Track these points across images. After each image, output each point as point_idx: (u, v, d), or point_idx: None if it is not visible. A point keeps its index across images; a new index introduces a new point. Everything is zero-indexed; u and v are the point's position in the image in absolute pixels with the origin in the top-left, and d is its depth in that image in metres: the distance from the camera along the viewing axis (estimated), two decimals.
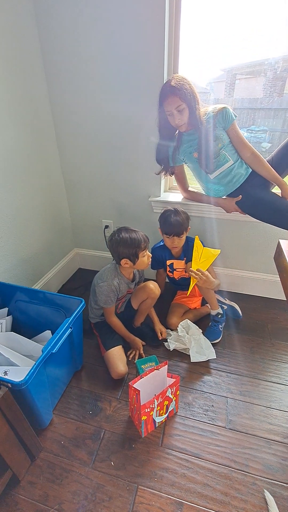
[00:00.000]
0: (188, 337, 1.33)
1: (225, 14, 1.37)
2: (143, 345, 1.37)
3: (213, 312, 1.45)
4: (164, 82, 1.25)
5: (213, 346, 1.34)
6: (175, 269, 1.49)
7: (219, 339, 1.41)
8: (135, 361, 1.27)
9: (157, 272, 1.60)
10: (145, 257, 1.23)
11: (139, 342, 1.36)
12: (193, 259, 1.33)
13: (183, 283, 1.54)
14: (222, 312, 1.45)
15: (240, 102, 2.09)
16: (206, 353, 1.28)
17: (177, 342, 1.34)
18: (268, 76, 1.90)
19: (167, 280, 1.64)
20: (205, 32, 1.44)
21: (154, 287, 1.35)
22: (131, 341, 1.35)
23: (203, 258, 1.33)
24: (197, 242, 1.35)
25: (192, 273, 1.29)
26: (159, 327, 1.43)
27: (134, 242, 1.18)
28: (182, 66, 1.32)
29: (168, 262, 1.48)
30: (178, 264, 1.46)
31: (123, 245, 1.18)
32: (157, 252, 1.48)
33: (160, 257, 1.48)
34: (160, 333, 1.41)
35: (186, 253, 1.43)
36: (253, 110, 2.10)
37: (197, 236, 1.37)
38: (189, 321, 1.39)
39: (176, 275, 1.51)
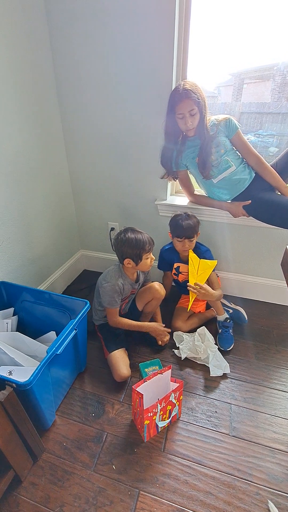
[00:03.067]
0: (204, 348, 1.30)
1: (234, 19, 1.38)
2: (144, 346, 1.36)
3: (221, 318, 1.44)
4: (172, 87, 1.27)
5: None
6: (180, 272, 1.49)
7: (233, 345, 1.39)
8: (139, 364, 1.26)
9: (164, 274, 1.61)
10: (148, 260, 1.23)
11: (156, 326, 1.32)
12: (189, 273, 1.33)
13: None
14: (228, 316, 1.44)
15: (247, 106, 2.09)
16: (222, 366, 1.25)
17: (190, 350, 1.31)
18: (276, 81, 1.89)
19: (173, 283, 1.64)
20: (213, 36, 1.45)
21: (159, 288, 1.35)
22: (148, 329, 1.33)
23: (200, 270, 1.33)
24: (191, 256, 1.35)
25: (191, 288, 1.29)
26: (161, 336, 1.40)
27: (139, 243, 1.18)
28: (190, 69, 1.33)
29: (175, 265, 1.48)
30: (184, 268, 1.46)
31: (127, 245, 1.19)
32: (166, 254, 1.50)
33: (169, 259, 1.49)
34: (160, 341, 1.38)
35: None
36: (260, 114, 2.09)
37: (191, 250, 1.37)
38: (206, 329, 1.37)
39: (180, 278, 1.51)
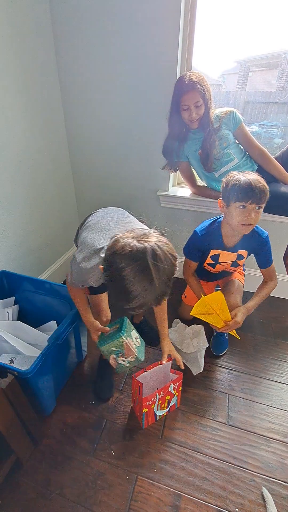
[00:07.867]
0: (188, 344, 1.24)
1: (243, 4, 1.32)
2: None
3: None
4: (178, 76, 1.24)
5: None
6: (219, 263, 1.17)
7: (226, 350, 1.34)
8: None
9: (186, 264, 1.22)
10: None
11: (93, 330, 0.92)
12: (213, 321, 1.13)
13: (218, 276, 1.29)
14: None
15: (252, 95, 2.04)
16: (198, 364, 1.21)
17: (176, 338, 1.29)
18: (284, 69, 1.83)
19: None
20: (220, 21, 1.40)
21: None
22: (87, 326, 0.96)
23: (215, 306, 1.13)
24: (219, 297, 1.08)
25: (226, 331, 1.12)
26: (166, 354, 1.05)
27: (128, 296, 0.64)
28: (195, 56, 1.28)
29: (213, 253, 1.14)
30: (226, 257, 1.14)
31: (117, 285, 0.65)
32: (202, 239, 1.12)
33: (203, 245, 1.13)
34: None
35: (245, 244, 1.11)
36: (266, 104, 2.04)
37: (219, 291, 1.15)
38: (203, 329, 1.26)
39: (217, 269, 1.20)
